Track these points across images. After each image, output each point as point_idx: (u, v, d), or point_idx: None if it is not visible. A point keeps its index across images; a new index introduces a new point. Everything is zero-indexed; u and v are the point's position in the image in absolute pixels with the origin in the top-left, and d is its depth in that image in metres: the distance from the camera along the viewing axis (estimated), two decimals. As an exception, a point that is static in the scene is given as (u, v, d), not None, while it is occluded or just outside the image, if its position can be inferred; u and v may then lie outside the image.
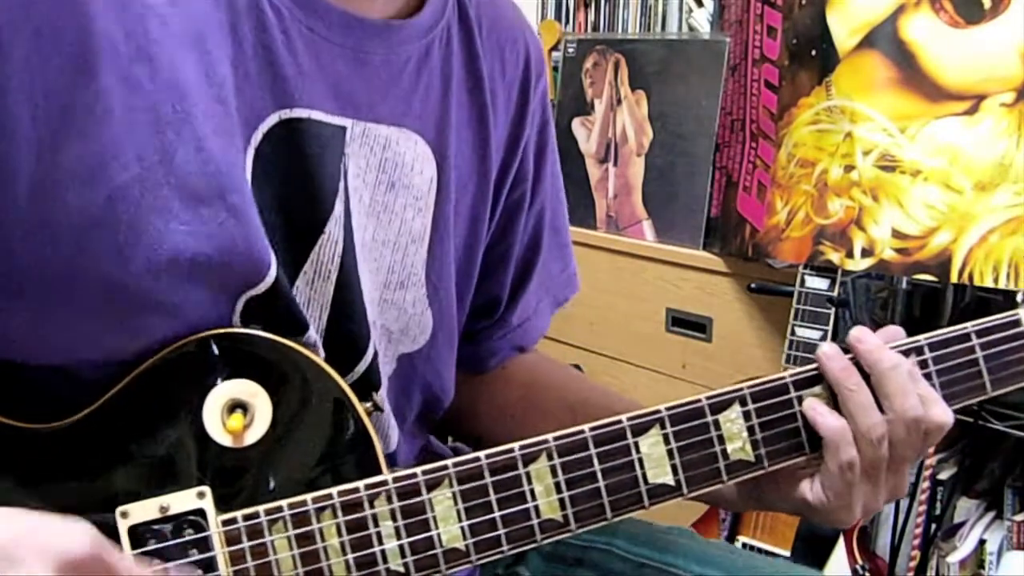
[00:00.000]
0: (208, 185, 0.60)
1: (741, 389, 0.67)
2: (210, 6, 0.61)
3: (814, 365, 0.69)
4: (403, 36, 0.71)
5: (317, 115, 0.67)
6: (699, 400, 0.67)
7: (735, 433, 0.67)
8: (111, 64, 0.57)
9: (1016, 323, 0.71)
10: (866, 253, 1.46)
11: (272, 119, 0.65)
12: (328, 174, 0.68)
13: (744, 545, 1.64)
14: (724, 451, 0.67)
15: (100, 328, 0.60)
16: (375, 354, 0.74)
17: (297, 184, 0.67)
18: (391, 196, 0.73)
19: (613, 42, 2.07)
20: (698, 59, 1.92)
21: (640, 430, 0.65)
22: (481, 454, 0.63)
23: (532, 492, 0.64)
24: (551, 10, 2.36)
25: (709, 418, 0.66)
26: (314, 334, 0.68)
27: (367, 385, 0.73)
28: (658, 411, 0.66)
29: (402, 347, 0.78)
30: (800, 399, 0.68)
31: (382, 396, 0.75)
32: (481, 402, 0.92)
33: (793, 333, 1.56)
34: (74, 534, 0.50)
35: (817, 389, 0.68)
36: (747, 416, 0.67)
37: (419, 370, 0.80)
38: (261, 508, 0.60)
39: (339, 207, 0.69)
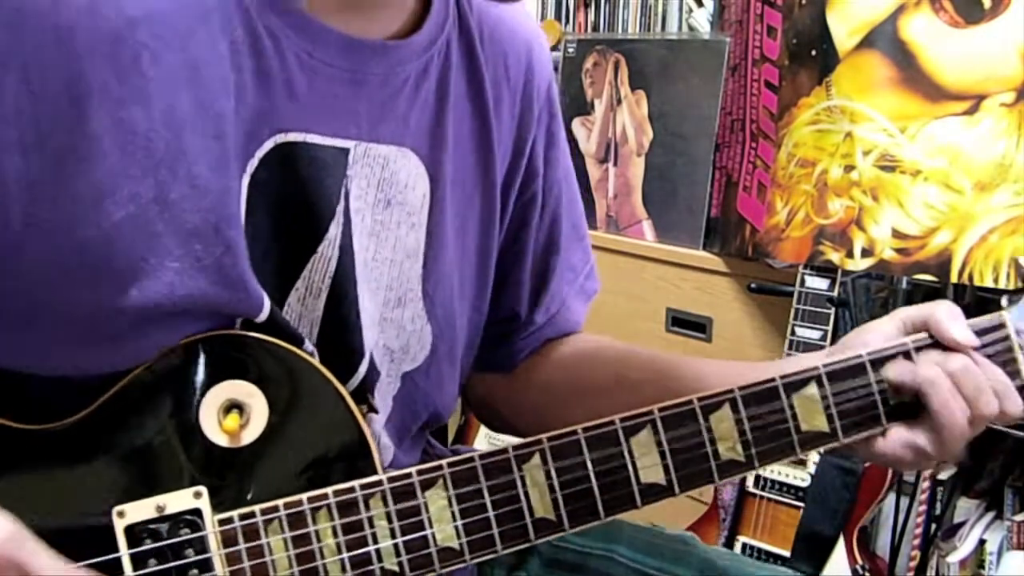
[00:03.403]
0: (204, 221, 0.60)
1: (732, 391, 0.67)
2: (207, 40, 0.60)
3: (805, 366, 0.69)
4: (401, 56, 0.71)
5: (313, 138, 0.66)
6: (691, 401, 0.67)
7: (726, 434, 0.67)
8: (102, 103, 0.56)
9: (1001, 325, 0.72)
10: (866, 253, 1.47)
11: (267, 145, 0.64)
12: (324, 196, 0.68)
13: (744, 545, 1.64)
14: (715, 451, 0.67)
15: (94, 351, 0.60)
16: (368, 371, 0.73)
17: (291, 207, 0.66)
18: (387, 214, 0.73)
19: (613, 42, 2.07)
20: (698, 59, 1.92)
21: (632, 431, 0.66)
22: (475, 454, 0.64)
23: (526, 492, 0.64)
24: (551, 10, 2.35)
25: (700, 419, 0.67)
26: (310, 346, 0.68)
27: (360, 400, 0.73)
28: (650, 412, 0.66)
29: (404, 365, 0.78)
30: (791, 401, 0.68)
31: (376, 399, 0.75)
32: (523, 393, 0.90)
33: (793, 333, 1.57)
34: None
35: (808, 391, 0.69)
36: (738, 418, 0.67)
37: (421, 387, 0.80)
38: (257, 508, 0.60)
39: (334, 229, 0.68)
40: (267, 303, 0.64)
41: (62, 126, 0.55)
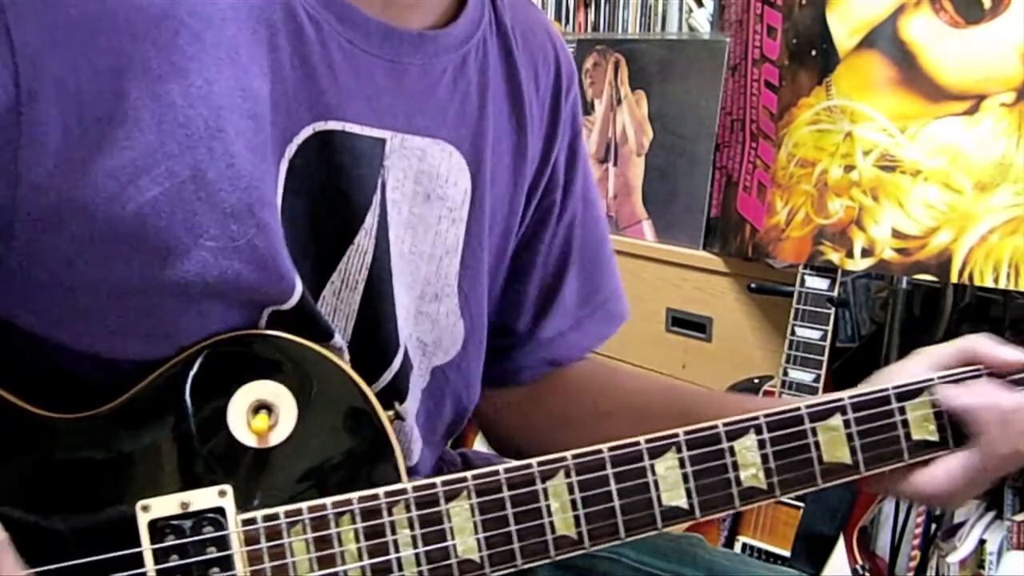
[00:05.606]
0: (239, 201, 0.60)
1: (757, 418, 0.68)
2: (246, 22, 0.61)
3: (829, 396, 0.70)
4: (440, 47, 0.71)
5: (352, 127, 0.67)
6: (715, 426, 0.67)
7: (749, 460, 0.67)
8: (143, 79, 0.56)
9: None
10: (866, 253, 1.47)
11: (307, 131, 0.65)
12: (361, 186, 0.68)
13: (744, 545, 1.64)
14: (737, 477, 0.67)
15: (127, 332, 0.60)
16: (402, 364, 0.73)
17: (328, 195, 0.66)
18: (426, 208, 0.73)
19: (613, 42, 2.07)
20: (698, 59, 1.92)
21: (657, 452, 0.66)
22: (500, 467, 0.64)
23: (548, 508, 0.64)
24: (551, 10, 2.35)
25: (724, 444, 0.67)
26: (340, 339, 0.68)
27: (392, 395, 0.73)
28: (675, 435, 0.66)
29: (435, 359, 0.78)
30: (815, 431, 0.69)
31: (406, 407, 0.75)
32: (535, 417, 0.90)
33: (793, 333, 1.56)
34: None
35: (832, 421, 0.69)
36: (761, 444, 0.68)
37: (451, 381, 0.80)
38: (281, 509, 0.61)
39: (370, 219, 0.69)
40: (299, 286, 0.64)
41: (102, 100, 0.55)
